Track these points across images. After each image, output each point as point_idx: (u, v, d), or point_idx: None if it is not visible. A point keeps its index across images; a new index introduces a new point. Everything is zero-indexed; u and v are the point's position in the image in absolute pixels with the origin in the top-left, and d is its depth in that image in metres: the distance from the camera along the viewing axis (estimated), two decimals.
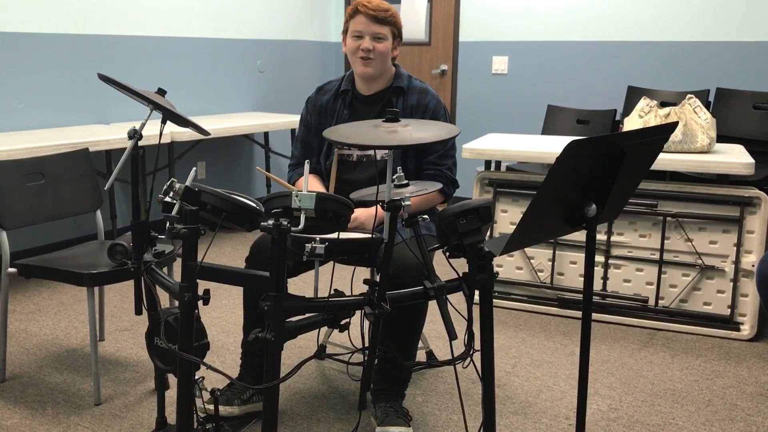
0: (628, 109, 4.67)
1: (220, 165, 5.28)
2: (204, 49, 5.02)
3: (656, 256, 3.29)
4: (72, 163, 2.88)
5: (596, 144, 1.50)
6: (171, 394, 2.55)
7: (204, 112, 5.08)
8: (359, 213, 2.35)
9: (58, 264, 2.52)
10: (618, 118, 4.78)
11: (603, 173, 1.60)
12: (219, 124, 4.50)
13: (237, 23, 5.26)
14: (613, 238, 3.35)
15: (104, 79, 1.88)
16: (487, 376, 1.88)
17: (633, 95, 4.76)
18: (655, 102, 3.44)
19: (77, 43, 4.19)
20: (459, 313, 2.22)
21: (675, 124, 1.69)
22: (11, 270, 2.55)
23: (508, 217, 3.51)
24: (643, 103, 3.45)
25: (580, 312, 3.41)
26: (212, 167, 5.21)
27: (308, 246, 1.65)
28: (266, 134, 5.38)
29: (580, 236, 3.30)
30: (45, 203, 2.78)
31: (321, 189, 2.54)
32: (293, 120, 5.04)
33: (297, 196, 1.61)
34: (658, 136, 1.67)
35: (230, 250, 4.44)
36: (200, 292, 1.72)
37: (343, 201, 1.67)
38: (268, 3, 5.51)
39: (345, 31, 2.51)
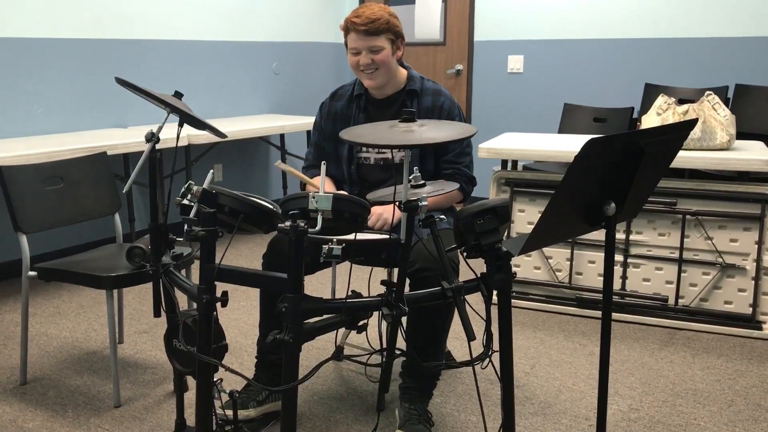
0: (645, 107, 4.63)
1: (237, 167, 5.30)
2: (219, 52, 5.04)
3: (676, 255, 3.25)
4: (90, 167, 2.90)
5: (616, 142, 1.49)
6: (190, 396, 2.56)
7: (220, 115, 5.10)
8: (380, 208, 2.34)
9: (77, 267, 2.53)
10: (635, 115, 4.74)
11: (622, 171, 1.58)
12: (235, 127, 4.51)
13: (252, 26, 5.28)
14: (632, 237, 3.32)
15: (122, 83, 1.89)
16: (506, 376, 1.87)
17: (650, 93, 4.72)
18: (673, 99, 3.41)
19: (95, 48, 4.22)
20: (477, 313, 2.21)
21: (695, 122, 1.67)
22: (31, 273, 2.57)
23: (525, 217, 3.49)
24: (661, 100, 3.42)
25: (599, 312, 3.39)
26: (228, 169, 5.23)
27: (325, 247, 1.65)
28: (282, 136, 5.39)
29: (598, 235, 3.28)
30: (64, 207, 2.80)
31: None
32: (308, 122, 5.04)
33: (314, 198, 1.61)
34: (678, 134, 1.65)
35: (247, 252, 4.46)
36: (218, 294, 1.72)
37: (360, 202, 1.67)
38: (283, 5, 5.53)
39: (346, 47, 2.50)
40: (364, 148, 2.54)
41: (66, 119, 4.12)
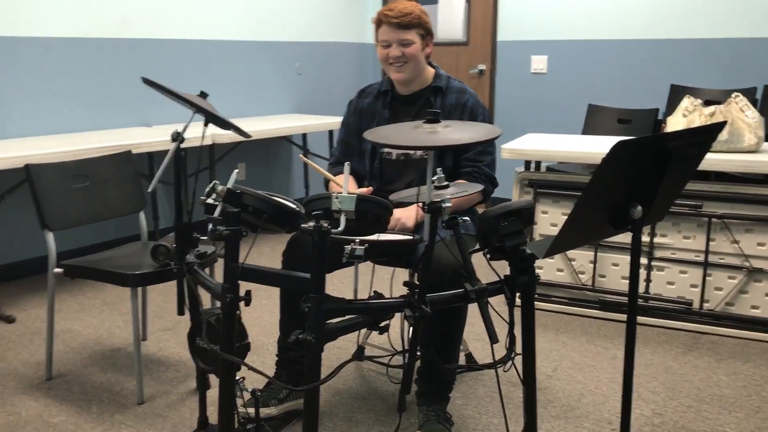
0: (670, 108, 4.57)
1: (260, 166, 5.32)
2: (243, 51, 5.07)
3: (701, 258, 3.21)
4: (115, 166, 2.93)
5: (643, 144, 1.47)
6: (212, 394, 2.57)
7: (243, 114, 5.13)
8: (399, 212, 2.34)
9: (102, 265, 2.56)
10: (660, 117, 4.69)
11: (649, 174, 1.56)
12: (258, 126, 4.53)
13: (276, 26, 5.30)
14: (656, 240, 3.28)
15: (148, 82, 1.91)
16: (529, 379, 1.85)
17: (676, 94, 4.67)
18: (699, 101, 3.37)
19: (120, 47, 4.26)
20: (500, 315, 2.20)
21: (723, 124, 1.65)
22: (57, 270, 2.60)
23: (548, 218, 3.47)
24: (686, 101, 3.38)
25: (622, 315, 3.36)
26: (252, 168, 5.26)
27: (348, 248, 1.64)
28: (304, 135, 5.41)
29: (622, 238, 3.25)
30: (90, 205, 2.83)
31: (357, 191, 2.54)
32: (331, 121, 5.05)
33: (337, 198, 1.61)
34: (706, 136, 1.62)
35: (269, 251, 4.47)
36: (241, 293, 1.73)
37: (383, 203, 1.67)
38: (306, 5, 5.54)
39: (376, 40, 2.53)
40: None
41: (91, 118, 4.17)
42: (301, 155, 2.30)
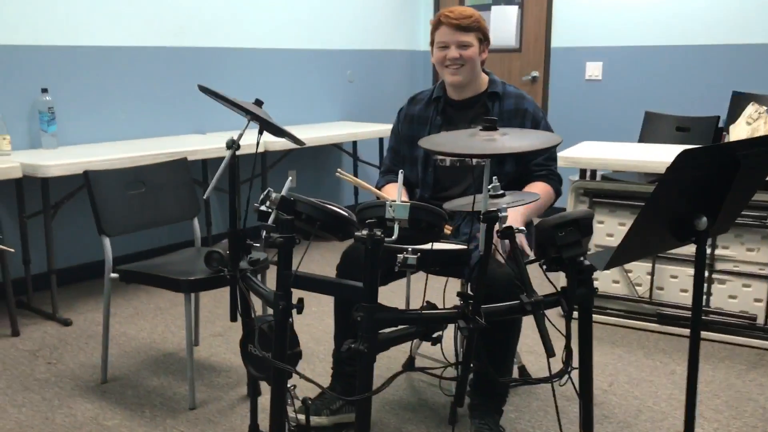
0: (732, 116, 4.43)
1: (309, 173, 5.35)
2: (295, 59, 5.10)
3: (766, 272, 3.09)
4: (171, 172, 2.97)
5: (711, 153, 1.41)
6: (263, 401, 2.57)
7: (294, 122, 5.16)
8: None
9: (156, 270, 2.59)
10: (721, 125, 4.55)
11: (715, 184, 1.50)
12: (309, 134, 4.55)
13: (327, 33, 5.33)
14: (718, 252, 3.17)
15: (205, 90, 1.92)
16: (586, 394, 1.80)
17: (738, 101, 4.52)
18: (765, 108, 3.25)
19: (176, 56, 4.34)
20: (556, 328, 2.14)
21: None
22: (113, 275, 2.65)
23: (604, 229, 3.39)
24: (751, 109, 3.26)
25: (682, 329, 3.25)
26: (302, 175, 5.29)
27: (400, 256, 1.62)
28: (354, 143, 5.42)
29: (681, 249, 3.14)
30: (145, 211, 2.87)
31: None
32: (381, 129, 5.05)
33: (391, 207, 1.59)
34: None
35: (319, 258, 4.48)
36: (293, 301, 1.72)
37: (437, 211, 1.64)
38: (357, 13, 5.56)
39: (432, 43, 2.51)
40: None
41: (148, 124, 4.25)
42: (337, 171, 2.29)
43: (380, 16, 5.77)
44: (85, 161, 3.28)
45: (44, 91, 3.60)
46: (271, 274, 1.95)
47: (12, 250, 3.14)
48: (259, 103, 1.97)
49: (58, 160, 3.29)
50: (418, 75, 6.22)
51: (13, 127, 3.60)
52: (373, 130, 5.03)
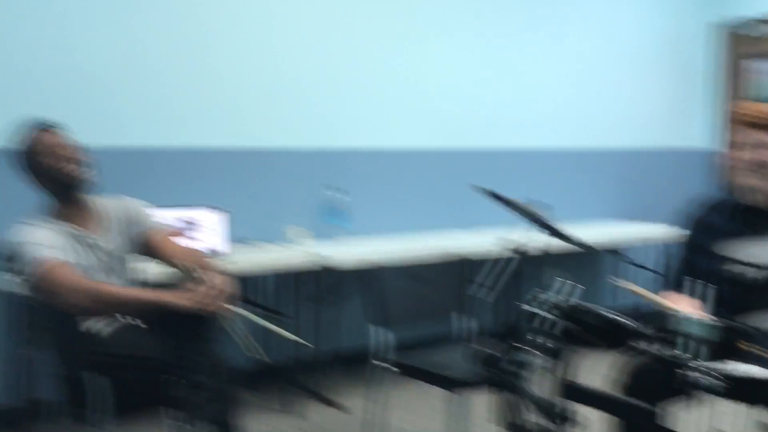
0: None
1: (575, 274, 5.16)
2: (565, 158, 5.13)
3: None
4: (445, 269, 3.09)
5: None
6: None
7: (559, 219, 5.09)
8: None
9: (429, 366, 2.66)
10: None
11: None
12: (579, 233, 4.44)
13: (599, 132, 5.31)
14: None
15: (493, 195, 1.96)
16: None
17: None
18: None
19: (452, 157, 4.69)
20: None
21: None
22: (393, 369, 2.78)
23: None
24: None
25: None
26: (567, 276, 5.13)
27: (703, 378, 1.46)
28: (626, 246, 5.18)
29: None
30: (418, 304, 3.01)
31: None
32: (655, 230, 4.82)
33: (692, 321, 1.45)
34: None
35: (588, 367, 4.23)
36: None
37: (748, 331, 1.46)
38: (629, 110, 5.49)
39: (728, 142, 2.31)
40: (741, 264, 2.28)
41: (424, 219, 4.54)
42: (621, 282, 2.13)
43: (652, 114, 5.64)
44: (371, 252, 3.54)
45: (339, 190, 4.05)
46: (540, 379, 1.88)
47: (310, 345, 3.28)
48: (546, 207, 1.97)
49: (348, 252, 3.62)
50: (694, 175, 5.81)
51: (306, 220, 4.07)
52: (646, 230, 4.84)
